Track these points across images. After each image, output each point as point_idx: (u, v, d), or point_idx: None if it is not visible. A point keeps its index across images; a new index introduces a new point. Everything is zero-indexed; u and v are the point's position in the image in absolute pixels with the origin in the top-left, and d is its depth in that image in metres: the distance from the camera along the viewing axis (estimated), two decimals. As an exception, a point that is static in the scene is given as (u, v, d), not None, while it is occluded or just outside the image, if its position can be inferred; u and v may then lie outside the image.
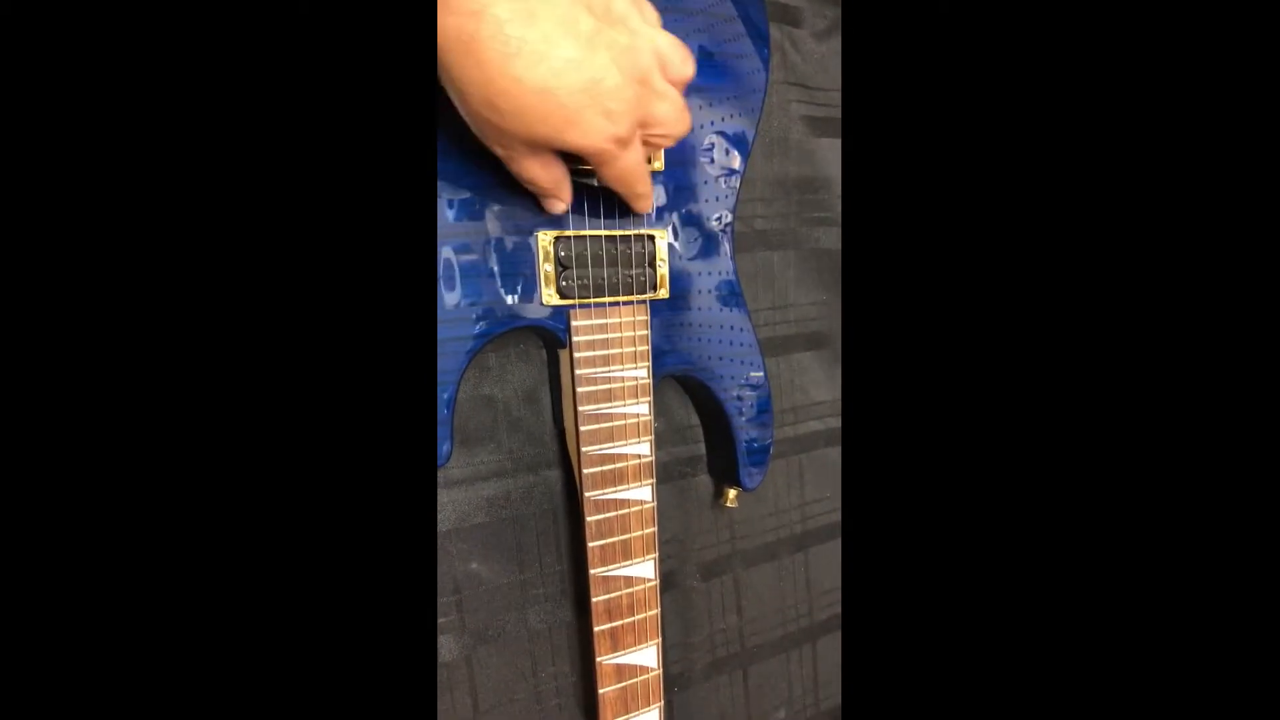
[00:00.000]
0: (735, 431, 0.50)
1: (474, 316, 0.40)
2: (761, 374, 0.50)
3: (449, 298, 0.39)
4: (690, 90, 0.45)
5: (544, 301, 0.42)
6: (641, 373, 0.45)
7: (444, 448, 0.40)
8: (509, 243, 0.41)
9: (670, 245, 0.46)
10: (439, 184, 0.39)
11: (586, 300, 0.43)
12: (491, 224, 0.40)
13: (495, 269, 0.40)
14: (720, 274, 0.48)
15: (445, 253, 0.39)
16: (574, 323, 0.43)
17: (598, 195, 0.43)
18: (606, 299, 0.43)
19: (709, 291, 0.48)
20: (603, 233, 0.43)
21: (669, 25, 0.44)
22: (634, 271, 0.44)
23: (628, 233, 0.44)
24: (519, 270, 0.41)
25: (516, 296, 0.41)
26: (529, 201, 0.41)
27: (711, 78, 0.46)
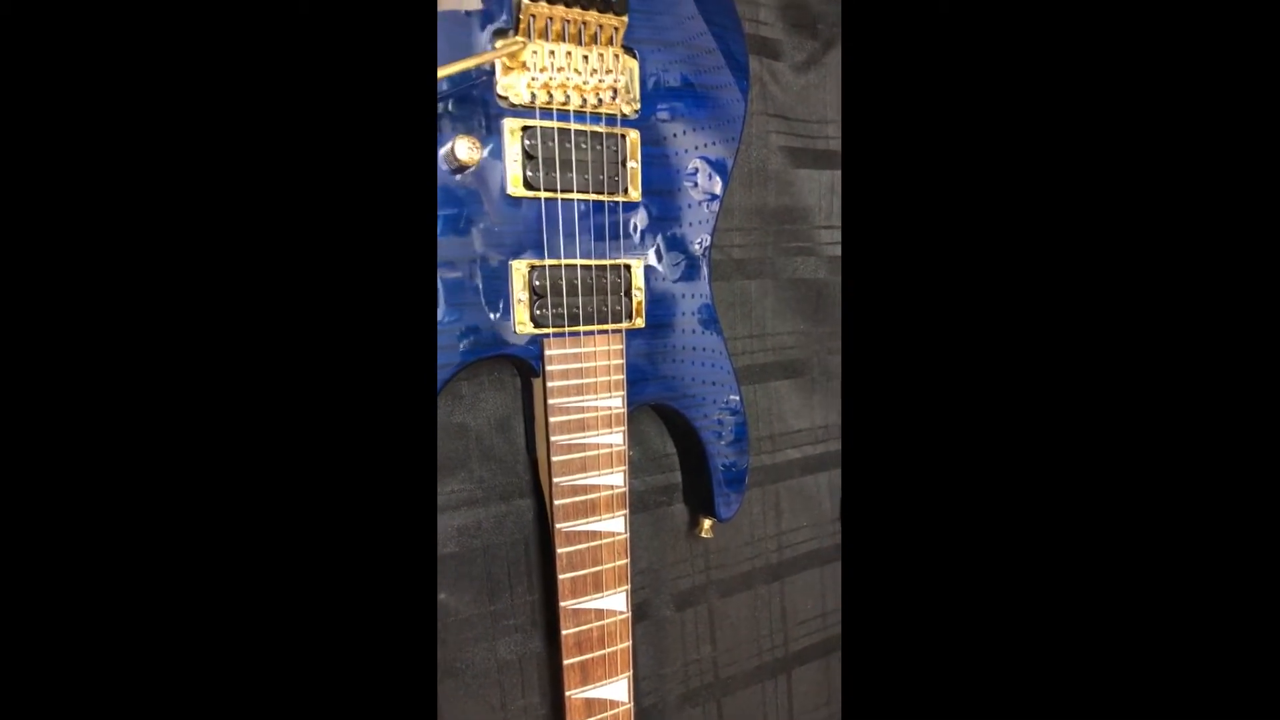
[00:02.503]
0: (711, 458, 0.50)
1: (445, 345, 0.40)
2: (738, 398, 0.50)
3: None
4: (672, 117, 0.46)
5: (517, 330, 0.41)
6: (616, 402, 0.45)
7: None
8: (471, 261, 0.40)
9: (651, 268, 0.46)
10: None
11: (561, 329, 0.42)
12: (446, 254, 0.40)
13: (448, 300, 0.40)
14: (700, 297, 0.48)
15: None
16: (547, 351, 0.42)
17: (573, 223, 0.43)
18: (581, 328, 0.43)
19: (690, 314, 0.47)
20: (578, 262, 0.43)
21: (651, 56, 0.44)
22: (609, 300, 0.44)
23: (603, 262, 0.44)
24: (483, 288, 0.41)
25: (478, 311, 0.40)
26: (509, 227, 0.40)
27: (692, 106, 0.46)
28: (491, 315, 0.41)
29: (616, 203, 0.44)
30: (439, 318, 0.39)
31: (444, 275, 0.39)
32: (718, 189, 0.48)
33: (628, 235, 0.45)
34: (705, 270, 0.48)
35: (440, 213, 0.39)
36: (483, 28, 0.39)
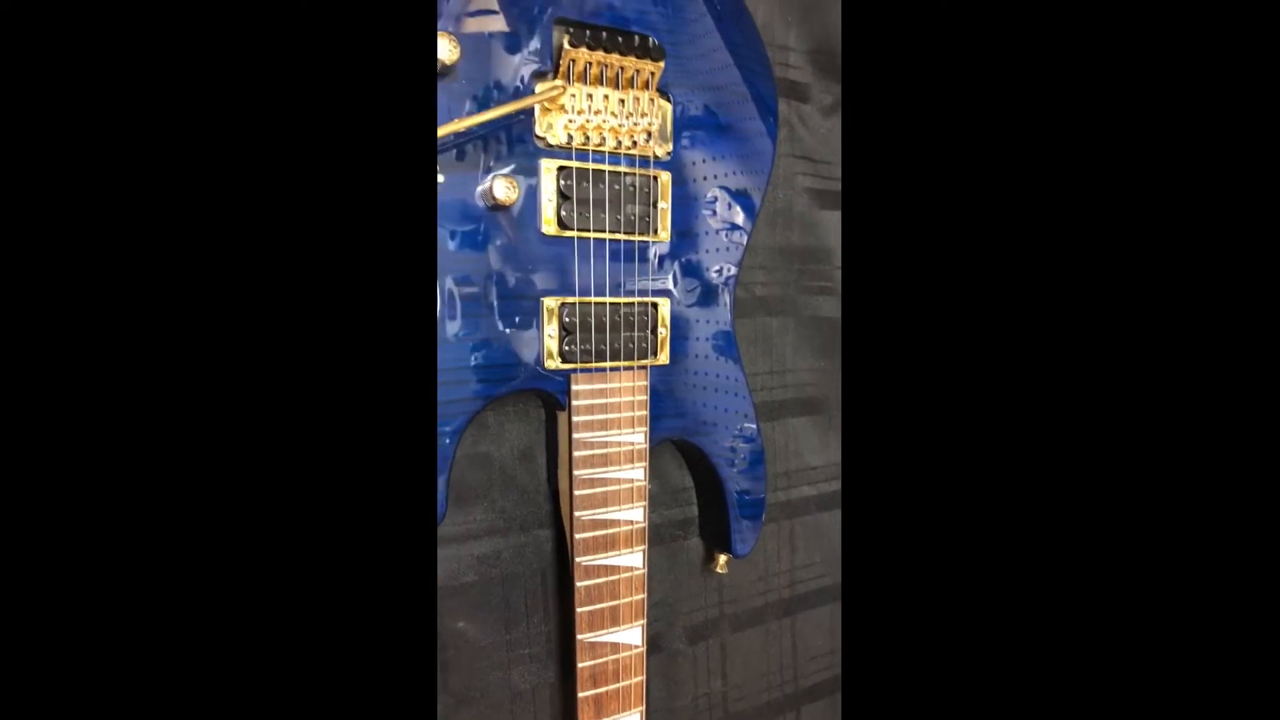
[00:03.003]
0: (727, 488, 0.50)
1: (476, 378, 0.40)
2: (754, 426, 0.50)
3: (449, 326, 0.40)
4: (698, 145, 0.46)
5: (546, 365, 0.42)
6: (638, 437, 0.45)
7: (439, 506, 0.40)
8: (504, 295, 0.41)
9: (677, 303, 0.47)
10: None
11: (589, 365, 0.43)
12: (479, 290, 0.40)
13: (490, 320, 0.40)
14: (719, 324, 0.48)
15: (446, 283, 0.40)
16: (574, 386, 0.43)
17: (604, 261, 0.43)
18: (608, 364, 0.44)
19: (705, 340, 0.48)
20: (608, 300, 0.44)
21: (683, 99, 0.45)
22: (635, 336, 0.45)
23: (632, 300, 0.44)
24: (514, 323, 0.41)
25: (509, 345, 0.41)
26: (542, 265, 0.41)
27: (718, 140, 0.47)
28: (522, 349, 0.41)
29: (647, 242, 0.45)
30: (471, 351, 0.40)
31: (478, 310, 0.40)
32: (746, 228, 0.49)
33: (657, 273, 0.46)
34: (729, 300, 0.49)
35: (475, 248, 0.40)
36: (508, 49, 0.40)
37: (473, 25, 0.39)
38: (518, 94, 0.40)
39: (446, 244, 0.39)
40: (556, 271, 0.42)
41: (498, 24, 0.39)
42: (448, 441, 0.40)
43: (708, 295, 0.48)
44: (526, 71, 0.40)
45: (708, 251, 0.48)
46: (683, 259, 0.47)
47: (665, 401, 0.47)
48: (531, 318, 0.42)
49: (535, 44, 0.40)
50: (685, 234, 0.47)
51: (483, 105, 0.39)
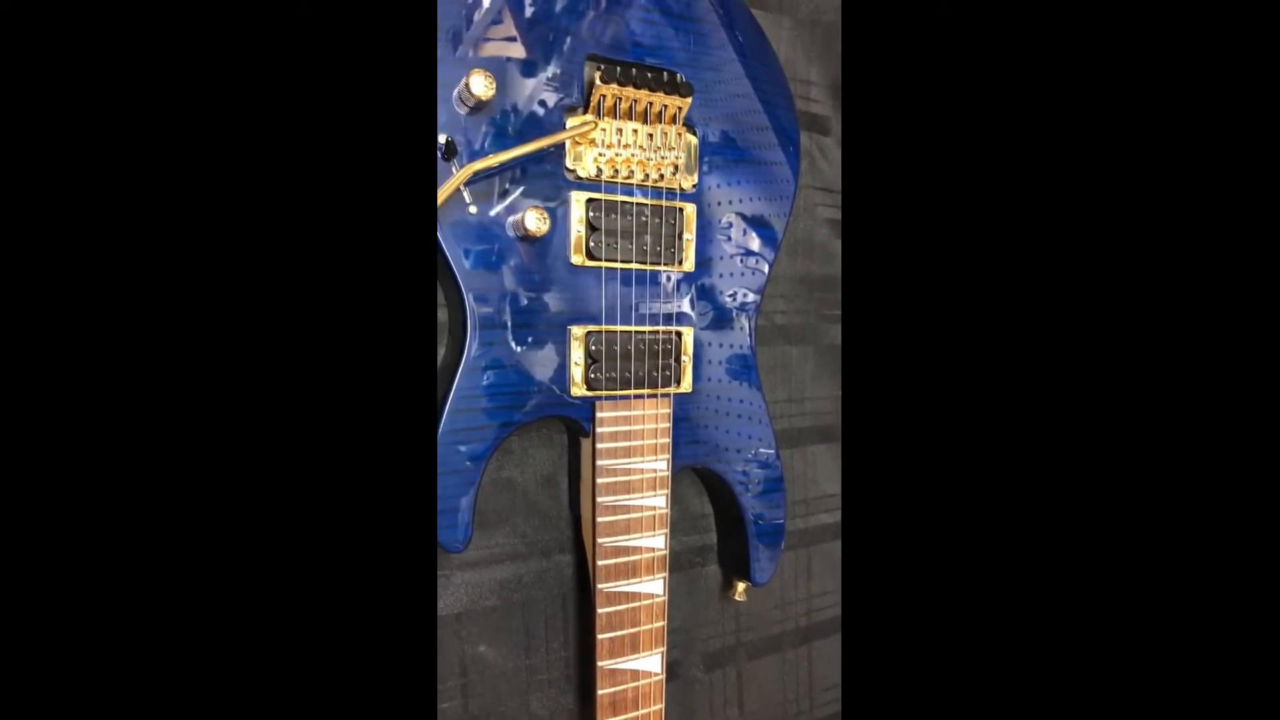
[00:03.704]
0: (746, 515, 0.50)
1: (503, 405, 0.41)
2: (773, 452, 0.50)
3: (476, 353, 0.40)
4: (719, 170, 0.47)
5: (572, 392, 0.43)
6: (661, 465, 0.46)
7: (462, 537, 0.41)
8: (532, 324, 0.42)
9: (701, 332, 0.47)
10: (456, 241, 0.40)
11: (614, 392, 0.44)
12: (508, 317, 0.41)
13: (518, 348, 0.41)
14: (734, 348, 0.49)
15: (472, 329, 0.40)
16: (599, 414, 0.44)
17: (630, 291, 0.44)
18: (631, 391, 0.44)
19: (720, 363, 0.48)
20: (633, 329, 0.44)
21: (708, 131, 0.46)
22: (660, 364, 0.45)
23: (656, 329, 0.45)
24: (541, 351, 0.42)
25: (535, 373, 0.42)
26: (569, 294, 0.42)
27: (739, 169, 0.48)
28: (548, 377, 0.42)
29: (672, 272, 0.46)
30: (497, 378, 0.41)
31: (505, 337, 0.41)
32: (768, 252, 0.49)
33: (681, 290, 0.46)
34: (749, 325, 0.49)
35: (504, 277, 0.41)
36: (540, 85, 0.41)
37: (492, 49, 0.39)
38: (550, 129, 0.41)
39: (476, 272, 0.40)
40: (583, 301, 0.43)
41: (517, 50, 0.40)
42: (472, 465, 0.40)
43: (729, 322, 0.49)
44: (558, 107, 0.41)
45: (730, 279, 0.48)
46: (705, 287, 0.47)
47: (686, 428, 0.47)
48: (558, 346, 0.42)
49: (567, 80, 0.41)
50: (709, 263, 0.47)
51: (516, 139, 0.40)
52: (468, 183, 0.39)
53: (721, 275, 0.48)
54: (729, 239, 0.48)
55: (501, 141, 0.39)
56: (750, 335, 0.49)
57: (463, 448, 0.40)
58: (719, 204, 0.47)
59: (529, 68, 0.40)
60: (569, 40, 0.42)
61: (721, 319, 0.48)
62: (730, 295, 0.48)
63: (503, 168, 0.40)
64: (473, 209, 0.39)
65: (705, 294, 0.47)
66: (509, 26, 0.40)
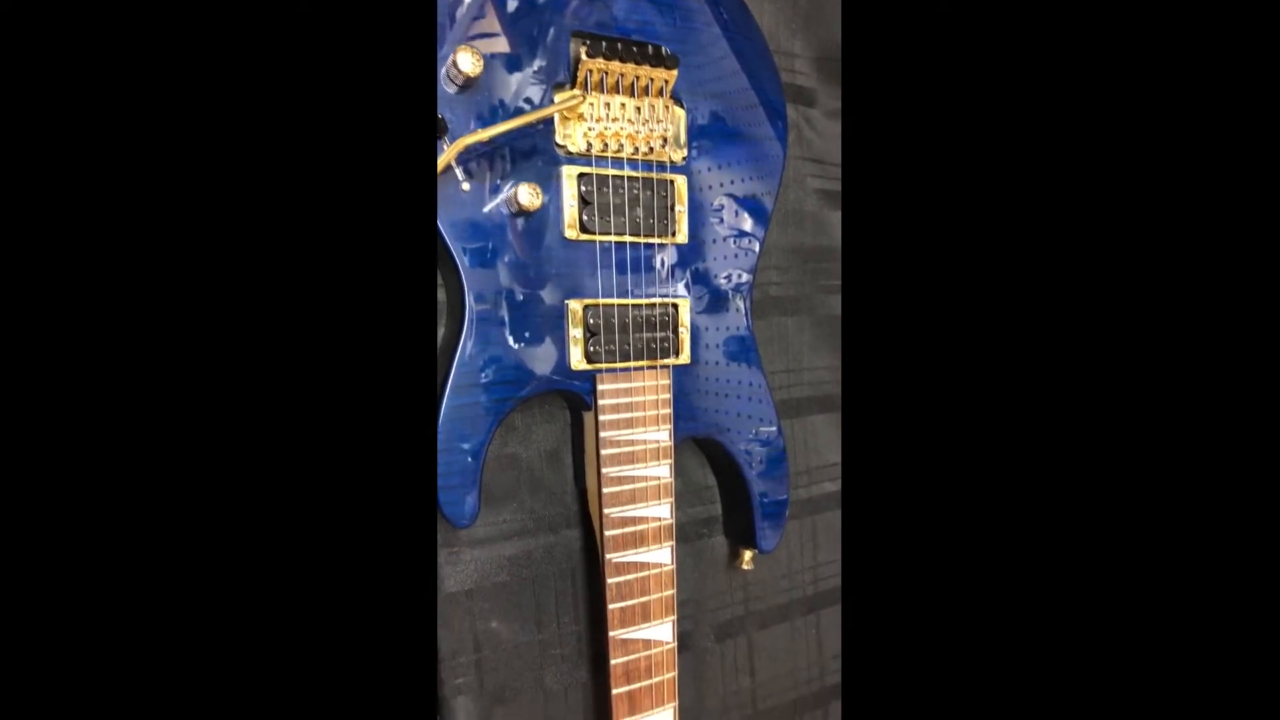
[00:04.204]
0: (751, 489, 0.51)
1: (504, 379, 0.42)
2: (774, 429, 0.51)
3: (477, 331, 0.41)
4: (709, 153, 0.48)
5: (573, 366, 0.43)
6: (663, 435, 0.46)
7: (470, 510, 0.41)
8: (531, 300, 0.42)
9: (696, 305, 0.48)
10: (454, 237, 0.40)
11: (614, 365, 0.44)
12: (506, 293, 0.41)
13: (517, 324, 0.42)
14: (731, 329, 0.49)
15: (471, 308, 0.41)
16: (600, 386, 0.44)
17: (625, 264, 0.45)
18: (631, 363, 0.45)
19: (717, 346, 0.49)
20: (630, 301, 0.45)
21: (695, 106, 0.47)
22: (658, 336, 0.46)
23: (653, 301, 0.46)
24: (540, 326, 0.42)
25: (535, 348, 0.42)
26: (565, 269, 0.43)
27: (729, 146, 0.49)
28: (548, 351, 0.43)
29: (665, 244, 0.46)
30: (499, 354, 0.41)
31: (504, 313, 0.41)
32: (759, 230, 0.50)
33: (676, 274, 0.47)
34: (745, 305, 0.50)
35: (500, 254, 0.41)
36: (528, 62, 0.41)
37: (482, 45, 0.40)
38: (538, 105, 0.41)
39: (472, 250, 0.40)
40: (579, 275, 0.43)
41: (501, 45, 0.41)
42: (479, 443, 0.41)
43: (725, 305, 0.49)
44: (546, 82, 0.42)
45: (725, 261, 0.49)
46: (697, 265, 0.48)
47: (687, 400, 0.48)
48: (557, 320, 0.43)
49: (553, 56, 0.42)
50: (702, 247, 0.48)
51: (504, 116, 0.40)
52: (459, 161, 0.40)
53: (715, 259, 0.48)
54: (721, 221, 0.49)
55: (490, 118, 0.40)
56: (747, 316, 0.50)
57: (466, 424, 0.41)
58: (710, 186, 0.48)
59: (514, 61, 0.41)
60: (553, 30, 0.42)
61: (717, 302, 0.49)
62: (725, 277, 0.49)
63: (493, 143, 0.40)
64: (465, 186, 0.40)
65: (700, 278, 0.48)
66: (492, 21, 0.40)
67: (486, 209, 0.41)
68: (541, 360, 0.43)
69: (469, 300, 0.40)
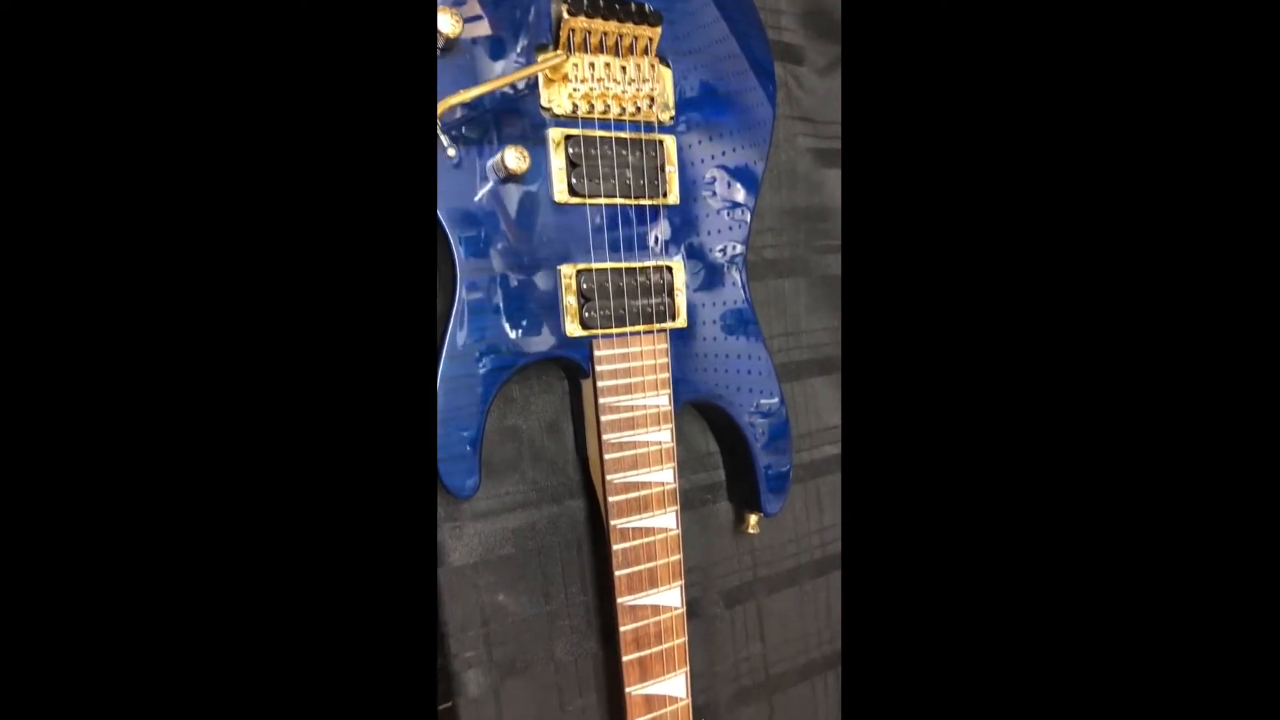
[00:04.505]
0: (756, 460, 0.51)
1: (501, 349, 0.41)
2: (776, 400, 0.51)
3: (469, 300, 0.40)
4: (700, 123, 0.47)
5: (568, 333, 0.43)
6: (663, 400, 0.46)
7: (471, 481, 0.41)
8: (516, 291, 0.41)
9: (689, 271, 0.47)
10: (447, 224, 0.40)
11: (609, 330, 0.44)
12: (497, 261, 0.41)
13: (511, 292, 0.41)
14: (728, 304, 0.49)
15: (463, 275, 0.40)
16: (596, 352, 0.44)
17: (617, 227, 0.44)
18: (628, 329, 0.44)
19: (715, 322, 0.48)
20: (624, 265, 0.44)
21: (680, 65, 0.46)
22: (653, 301, 0.45)
23: (646, 264, 0.45)
24: (533, 294, 0.42)
25: (530, 316, 0.42)
26: (556, 234, 0.42)
27: (720, 113, 0.48)
28: (542, 318, 0.42)
29: (657, 206, 0.45)
30: (493, 322, 0.41)
31: (496, 281, 0.41)
32: (749, 197, 0.49)
33: (668, 237, 0.46)
34: (741, 277, 0.49)
35: (490, 221, 0.40)
36: (509, 22, 0.40)
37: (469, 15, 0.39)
38: (520, 66, 0.41)
39: (459, 220, 0.40)
40: (571, 240, 0.43)
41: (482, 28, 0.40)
42: (477, 412, 0.40)
43: (721, 278, 0.48)
44: (528, 43, 0.41)
45: (719, 235, 0.48)
46: (691, 239, 0.47)
47: (686, 364, 0.47)
48: (550, 286, 0.42)
49: (535, 16, 0.41)
50: (690, 205, 0.47)
51: (486, 79, 0.39)
52: (444, 127, 0.39)
53: (709, 233, 0.48)
54: (710, 171, 0.48)
55: (472, 81, 0.39)
56: (744, 288, 0.49)
57: (462, 394, 0.40)
58: (701, 160, 0.47)
59: (495, 22, 0.40)
60: (534, 8, 0.41)
61: (714, 276, 0.48)
62: (720, 251, 0.48)
63: (478, 108, 0.40)
64: (451, 152, 0.39)
65: (695, 253, 0.47)
66: (473, 5, 0.40)
67: (474, 175, 0.40)
68: (536, 328, 0.42)
69: (460, 270, 0.40)
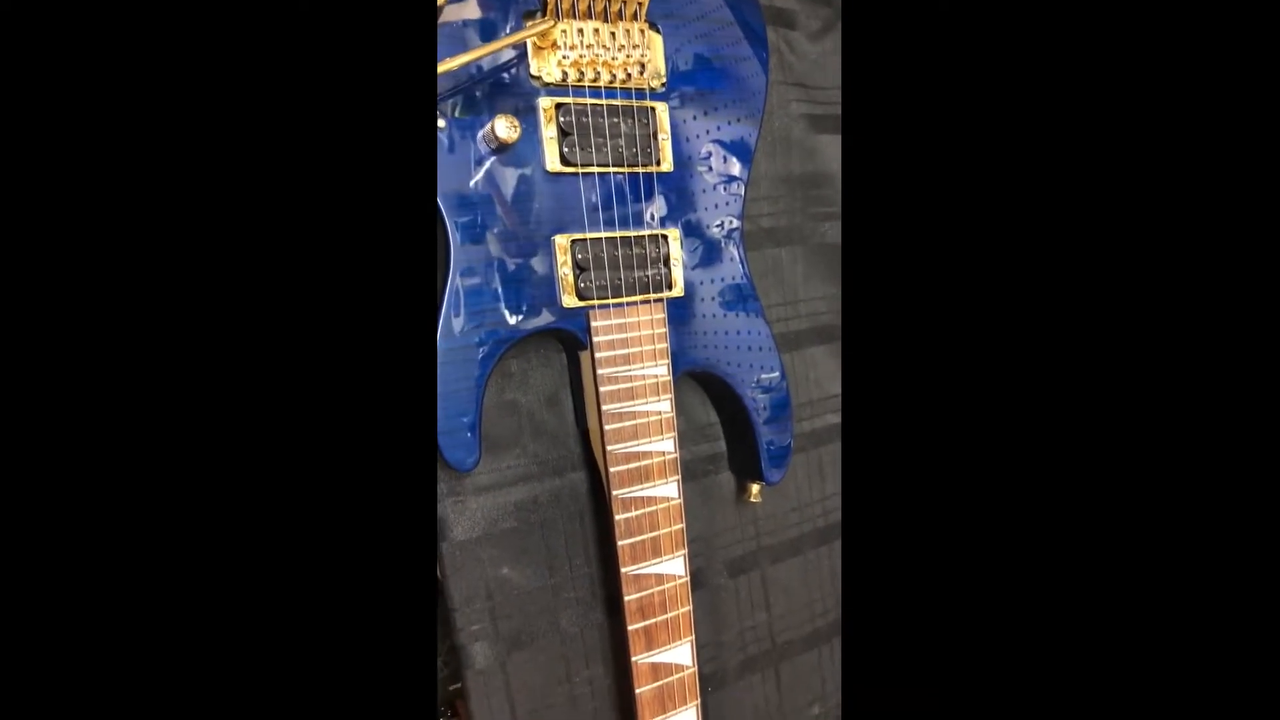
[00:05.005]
0: (758, 434, 0.50)
1: (497, 322, 0.41)
2: (777, 374, 0.50)
3: (463, 273, 0.40)
4: (693, 96, 0.46)
5: (564, 304, 0.42)
6: (661, 370, 0.46)
7: (472, 455, 0.41)
8: (511, 263, 0.41)
9: (684, 241, 0.47)
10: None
11: (606, 300, 0.43)
12: (492, 234, 0.41)
13: (507, 264, 0.41)
14: (726, 280, 0.48)
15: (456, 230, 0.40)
16: (594, 323, 0.43)
17: (610, 196, 0.44)
18: (625, 299, 0.44)
19: (714, 299, 0.48)
20: (618, 234, 0.44)
21: (671, 32, 0.45)
22: (650, 272, 0.45)
23: (641, 234, 0.45)
24: (529, 264, 0.42)
25: (526, 286, 0.42)
26: (549, 204, 0.42)
27: (713, 82, 0.47)
28: (538, 290, 0.42)
29: (650, 174, 0.45)
30: (488, 295, 0.40)
31: (491, 253, 0.40)
32: (743, 170, 0.49)
33: (663, 205, 0.46)
34: (738, 251, 0.49)
35: (482, 192, 0.40)
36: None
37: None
38: (509, 34, 0.40)
39: (452, 189, 0.39)
40: (565, 209, 0.42)
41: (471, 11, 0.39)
42: (471, 383, 0.40)
43: (719, 255, 0.48)
44: (516, 11, 0.40)
45: (715, 211, 0.48)
46: (684, 214, 0.47)
47: (684, 333, 0.47)
48: (545, 257, 0.42)
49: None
50: (687, 177, 0.47)
51: (473, 46, 0.39)
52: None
53: (706, 209, 0.47)
54: (703, 139, 0.47)
55: (460, 49, 0.39)
56: (742, 263, 0.49)
57: (460, 366, 0.40)
58: (689, 105, 0.46)
59: (488, 27, 0.40)
60: None
61: (710, 252, 0.48)
62: (717, 226, 0.48)
63: (467, 78, 0.39)
64: (440, 124, 0.39)
65: (684, 195, 0.47)
66: None
67: (465, 146, 0.40)
68: (533, 300, 0.42)
69: (454, 242, 0.40)
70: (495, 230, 0.41)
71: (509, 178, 0.41)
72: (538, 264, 0.42)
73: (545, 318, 0.42)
